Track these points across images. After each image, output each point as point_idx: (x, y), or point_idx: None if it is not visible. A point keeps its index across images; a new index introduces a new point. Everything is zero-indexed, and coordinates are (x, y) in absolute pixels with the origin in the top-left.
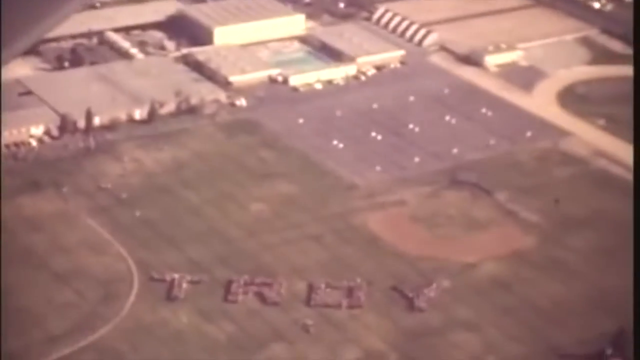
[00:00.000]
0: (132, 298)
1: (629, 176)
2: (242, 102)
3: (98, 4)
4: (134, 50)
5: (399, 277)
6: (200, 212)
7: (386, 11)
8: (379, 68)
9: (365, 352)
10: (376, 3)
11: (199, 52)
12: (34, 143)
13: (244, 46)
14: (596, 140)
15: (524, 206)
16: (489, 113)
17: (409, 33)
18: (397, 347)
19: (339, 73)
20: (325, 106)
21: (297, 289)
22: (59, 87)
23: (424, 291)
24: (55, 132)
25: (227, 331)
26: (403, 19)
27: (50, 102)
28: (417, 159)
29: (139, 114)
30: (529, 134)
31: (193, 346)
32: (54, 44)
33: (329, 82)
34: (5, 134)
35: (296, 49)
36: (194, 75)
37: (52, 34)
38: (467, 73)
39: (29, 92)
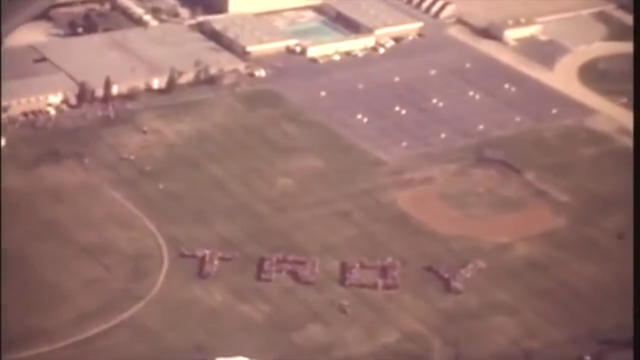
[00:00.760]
0: (163, 275)
1: None
2: (261, 72)
3: None
4: (147, 17)
5: (432, 256)
6: (226, 187)
7: None
8: (397, 40)
9: (404, 335)
10: None
11: (215, 21)
12: (52, 111)
13: (258, 15)
14: (620, 117)
15: (552, 185)
16: (512, 89)
17: (425, 4)
18: (436, 330)
19: (357, 44)
20: (346, 78)
21: (330, 268)
22: (74, 54)
23: (460, 272)
24: (73, 101)
25: (262, 310)
26: None
27: (66, 69)
28: (443, 135)
29: (157, 83)
30: (554, 111)
31: (229, 325)
32: (65, 9)
33: (347, 53)
34: (22, 101)
35: (311, 19)
36: (211, 44)
37: None
38: (487, 47)
39: (43, 59)
